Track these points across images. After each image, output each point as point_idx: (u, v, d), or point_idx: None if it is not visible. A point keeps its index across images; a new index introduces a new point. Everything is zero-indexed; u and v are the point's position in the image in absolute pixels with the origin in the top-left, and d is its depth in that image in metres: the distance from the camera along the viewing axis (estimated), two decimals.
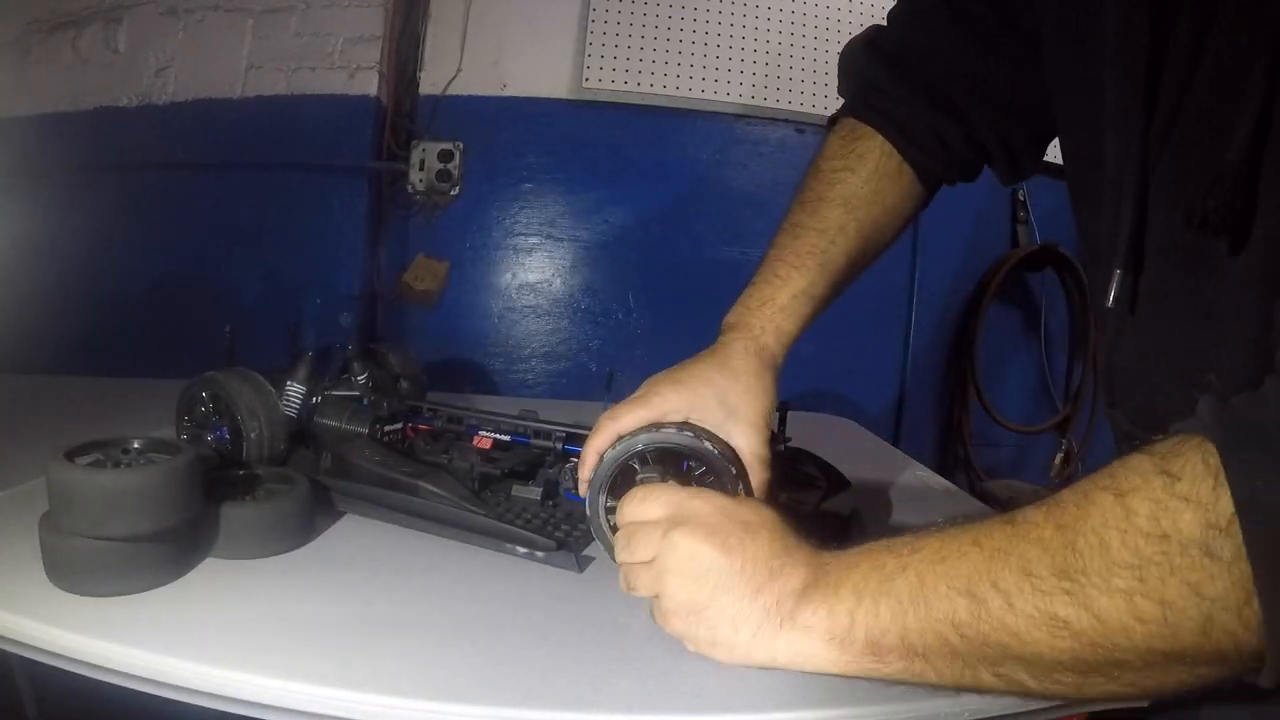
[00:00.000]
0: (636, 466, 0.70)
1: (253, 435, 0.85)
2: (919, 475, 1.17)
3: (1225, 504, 0.38)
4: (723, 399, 0.71)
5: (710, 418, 0.70)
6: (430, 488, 0.82)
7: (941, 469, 1.95)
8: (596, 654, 0.61)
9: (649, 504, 0.62)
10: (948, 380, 2.25)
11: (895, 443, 2.03)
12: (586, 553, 0.79)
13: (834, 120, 0.88)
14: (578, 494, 0.85)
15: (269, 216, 1.88)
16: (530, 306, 2.05)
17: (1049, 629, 0.43)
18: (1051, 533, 0.44)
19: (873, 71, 0.83)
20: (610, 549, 0.70)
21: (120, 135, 1.85)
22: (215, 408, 0.88)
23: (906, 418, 2.21)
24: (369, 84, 1.86)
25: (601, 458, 0.71)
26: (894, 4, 0.86)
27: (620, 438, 0.70)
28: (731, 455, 0.69)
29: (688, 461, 0.70)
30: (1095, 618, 0.41)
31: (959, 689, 0.50)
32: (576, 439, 0.91)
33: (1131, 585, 0.40)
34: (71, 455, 0.66)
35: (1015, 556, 0.44)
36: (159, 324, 1.86)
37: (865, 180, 0.81)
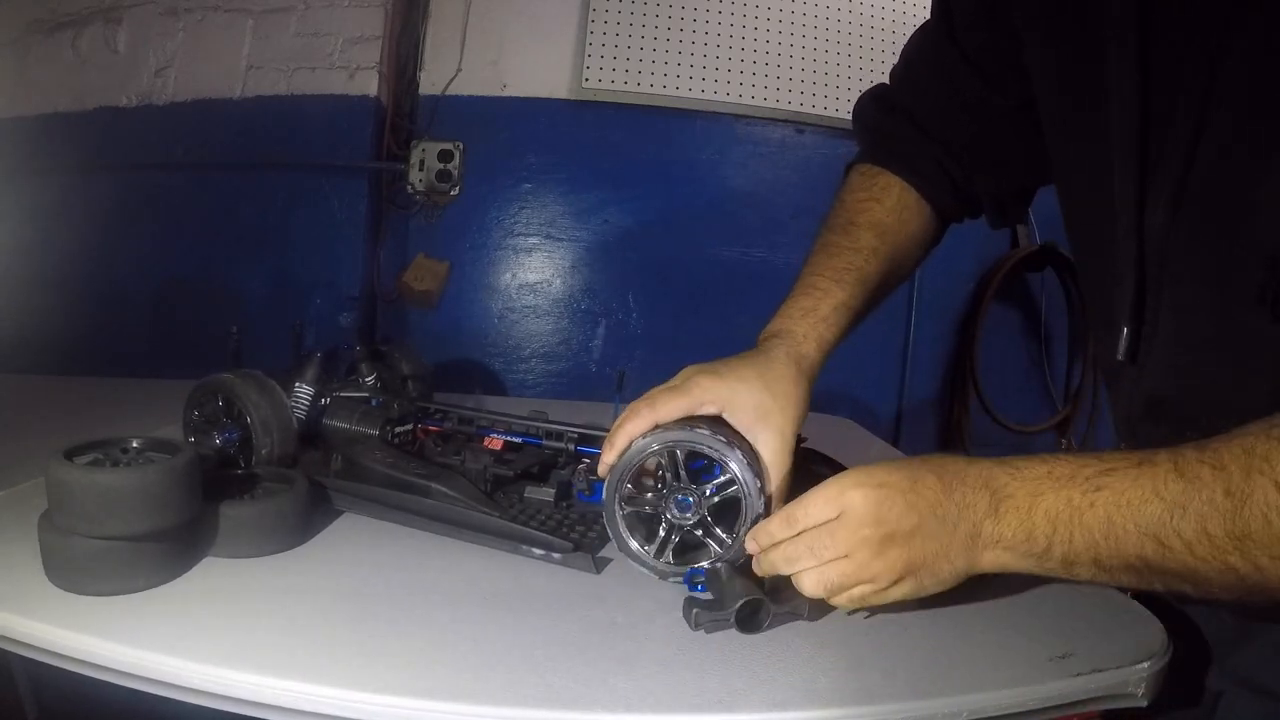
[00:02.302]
0: (662, 461, 0.71)
1: (264, 451, 0.85)
2: None
3: None
4: (758, 401, 0.72)
5: (743, 417, 0.72)
6: (444, 490, 0.82)
7: None
8: (596, 654, 0.61)
9: (810, 509, 0.63)
10: (948, 380, 2.25)
11: (895, 443, 2.04)
12: (603, 554, 0.79)
13: (850, 166, 0.95)
14: (587, 493, 0.86)
15: (269, 217, 1.88)
16: (530, 306, 2.05)
17: (1220, 571, 0.52)
18: (1222, 498, 0.52)
19: (890, 124, 0.91)
20: (620, 537, 0.72)
21: (120, 135, 1.85)
22: (225, 410, 0.88)
23: (906, 418, 2.21)
24: (369, 84, 1.86)
25: (630, 445, 0.71)
26: (895, 64, 0.93)
27: (656, 427, 0.71)
28: (760, 468, 0.70)
29: (707, 461, 0.71)
30: (1258, 570, 0.51)
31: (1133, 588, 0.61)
32: (589, 440, 0.91)
33: None
34: (70, 455, 0.66)
35: (1193, 514, 0.53)
36: (158, 324, 1.86)
37: (890, 210, 0.88)
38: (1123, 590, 0.75)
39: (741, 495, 0.69)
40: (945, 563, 0.61)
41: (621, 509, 0.72)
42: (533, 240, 2.03)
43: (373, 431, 0.91)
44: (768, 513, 0.69)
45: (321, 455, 0.93)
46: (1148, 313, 0.68)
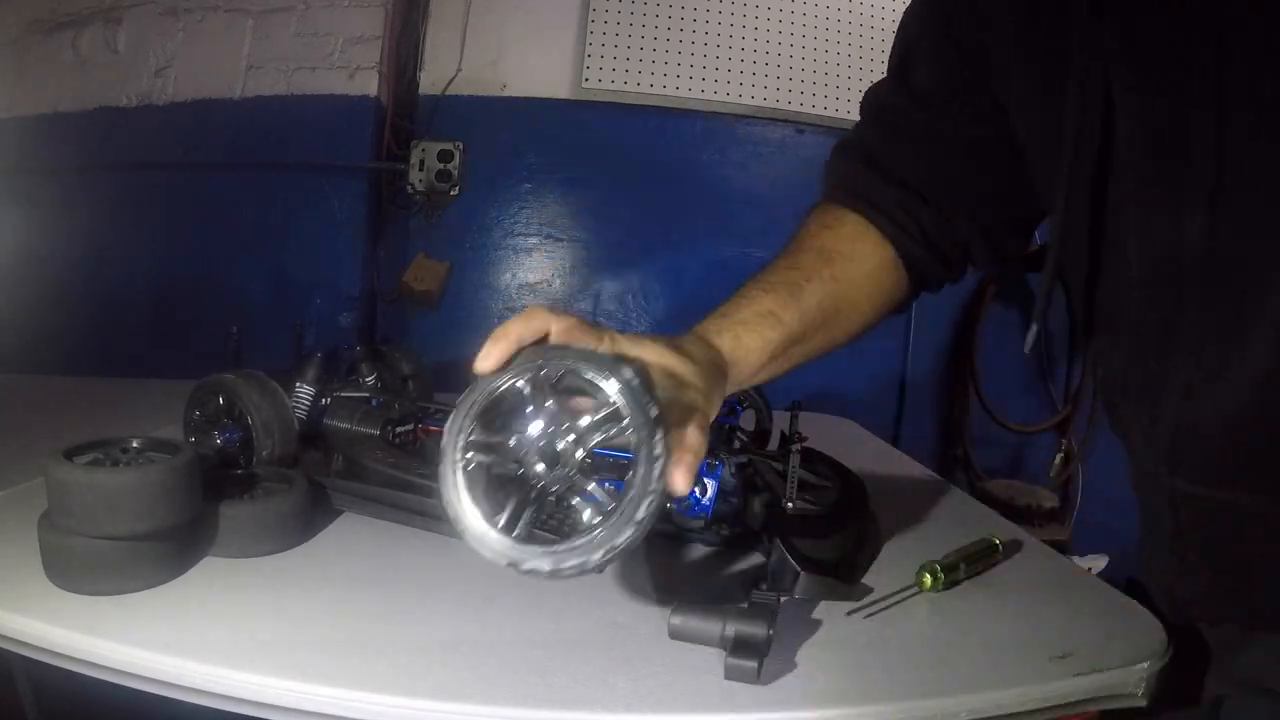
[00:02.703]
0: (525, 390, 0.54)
1: (264, 451, 0.85)
2: (919, 475, 1.17)
3: None
4: (659, 351, 0.62)
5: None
6: None
7: (941, 469, 1.95)
8: (596, 654, 0.61)
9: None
10: (948, 380, 2.25)
11: (895, 443, 2.03)
12: None
13: (811, 209, 0.89)
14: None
15: (269, 217, 1.88)
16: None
17: None
18: None
19: (845, 168, 0.86)
20: (452, 502, 0.52)
21: (120, 135, 1.85)
22: (226, 411, 0.88)
23: (906, 418, 2.21)
24: (369, 84, 1.86)
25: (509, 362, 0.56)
26: (861, 99, 0.89)
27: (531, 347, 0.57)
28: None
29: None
30: None
31: None
32: None
33: None
34: (70, 454, 0.66)
35: None
36: (158, 324, 1.86)
37: (843, 239, 0.81)
38: (1122, 590, 0.75)
39: (636, 426, 0.51)
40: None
41: (460, 460, 0.52)
42: (533, 240, 2.03)
43: (373, 431, 0.91)
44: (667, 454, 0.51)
45: (322, 455, 0.93)
46: (1149, 325, 0.64)
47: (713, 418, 0.62)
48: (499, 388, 0.54)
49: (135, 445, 0.70)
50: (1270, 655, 0.66)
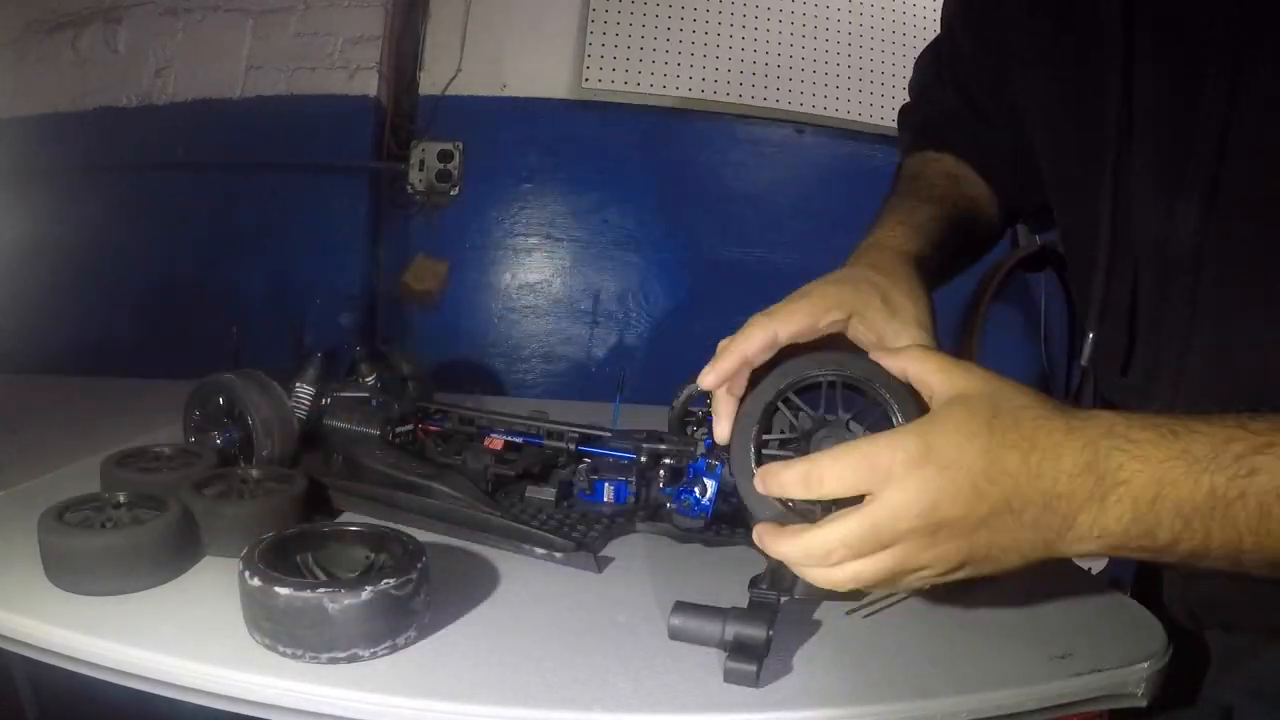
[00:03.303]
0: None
1: (264, 452, 0.85)
2: None
3: None
4: (886, 296, 0.65)
5: (876, 316, 0.63)
6: (445, 489, 0.82)
7: None
8: (596, 654, 0.61)
9: (830, 474, 0.51)
10: None
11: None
12: (604, 553, 0.79)
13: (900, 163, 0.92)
14: (588, 492, 0.85)
15: (269, 217, 1.88)
16: (530, 307, 2.05)
17: None
18: None
19: (926, 121, 0.91)
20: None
21: (120, 135, 1.85)
22: (226, 411, 0.89)
23: None
24: (369, 84, 1.86)
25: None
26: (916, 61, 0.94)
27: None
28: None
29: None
30: None
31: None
32: (590, 440, 0.91)
33: None
34: (62, 513, 0.66)
35: None
36: (158, 324, 1.86)
37: (952, 164, 0.86)
38: (1123, 590, 0.75)
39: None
40: (1014, 556, 0.50)
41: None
42: (533, 240, 2.03)
43: (374, 431, 0.91)
44: None
45: (322, 455, 0.93)
46: (1151, 320, 0.65)
47: (933, 311, 0.69)
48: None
49: (124, 501, 0.70)
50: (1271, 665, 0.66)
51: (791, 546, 0.53)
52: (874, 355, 0.58)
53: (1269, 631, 0.66)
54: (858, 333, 0.63)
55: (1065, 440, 0.48)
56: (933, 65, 0.90)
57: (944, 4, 0.87)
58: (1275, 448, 0.45)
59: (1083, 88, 0.66)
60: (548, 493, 0.87)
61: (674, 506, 0.80)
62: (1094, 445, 0.47)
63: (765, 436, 0.59)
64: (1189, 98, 0.59)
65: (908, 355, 0.56)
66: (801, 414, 0.59)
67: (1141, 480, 0.46)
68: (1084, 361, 0.64)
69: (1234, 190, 0.58)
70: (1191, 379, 0.63)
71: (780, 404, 0.59)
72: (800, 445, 0.59)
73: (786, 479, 0.53)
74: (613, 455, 0.89)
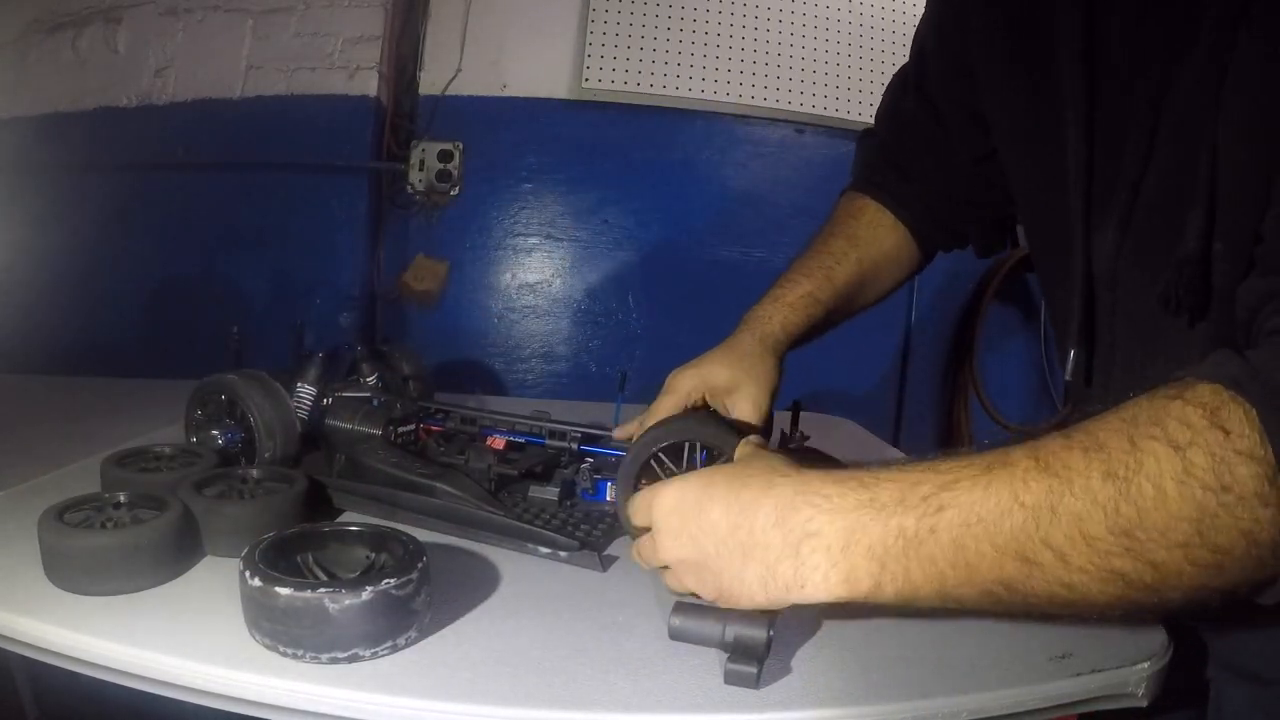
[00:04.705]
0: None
1: (267, 453, 0.85)
2: None
3: (1270, 457, 0.40)
4: (730, 376, 0.84)
5: (720, 394, 0.83)
6: (448, 489, 0.82)
7: None
8: (597, 654, 0.61)
9: (634, 508, 0.65)
10: (948, 380, 2.25)
11: (895, 443, 2.03)
12: (609, 552, 0.79)
13: (841, 193, 1.03)
14: (591, 491, 0.89)
15: (269, 217, 1.88)
16: (530, 306, 2.05)
17: (1102, 580, 0.44)
18: (1100, 484, 0.43)
19: (873, 159, 1.00)
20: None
21: (120, 135, 1.85)
22: (228, 411, 0.88)
23: (906, 418, 2.21)
24: (369, 84, 1.86)
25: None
26: (879, 104, 1.01)
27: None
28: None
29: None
30: (1152, 568, 0.42)
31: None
32: (592, 439, 0.91)
33: (1190, 538, 0.41)
34: (62, 513, 0.66)
35: (1064, 515, 0.44)
36: (158, 324, 1.86)
37: (865, 226, 0.97)
38: None
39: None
40: (747, 599, 0.55)
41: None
42: (533, 240, 2.03)
43: (375, 431, 0.91)
44: None
45: (324, 455, 0.93)
46: (1102, 335, 0.71)
47: (775, 385, 0.86)
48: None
49: (124, 501, 0.70)
50: (1248, 636, 0.67)
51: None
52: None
53: (1233, 618, 0.67)
54: (715, 403, 0.84)
55: (761, 498, 0.53)
56: (899, 84, 0.98)
57: (916, 29, 0.95)
58: (961, 484, 0.47)
59: (1042, 125, 0.73)
60: (550, 492, 0.87)
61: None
62: (785, 502, 0.52)
63: (641, 482, 0.77)
64: (1119, 143, 0.65)
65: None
66: (665, 467, 0.77)
67: (831, 530, 0.50)
68: (1067, 376, 0.73)
69: (1144, 216, 0.64)
70: (1120, 391, 0.66)
71: (652, 460, 0.77)
72: None
73: (635, 503, 0.65)
74: (615, 455, 0.89)
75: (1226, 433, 0.41)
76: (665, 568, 0.62)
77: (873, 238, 0.96)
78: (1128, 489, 0.42)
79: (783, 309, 0.89)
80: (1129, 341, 0.69)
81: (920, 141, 0.94)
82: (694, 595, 0.61)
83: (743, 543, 0.54)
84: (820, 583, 0.51)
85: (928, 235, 0.98)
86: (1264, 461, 0.40)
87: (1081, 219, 0.69)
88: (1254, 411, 0.41)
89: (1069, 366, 0.71)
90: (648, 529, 0.62)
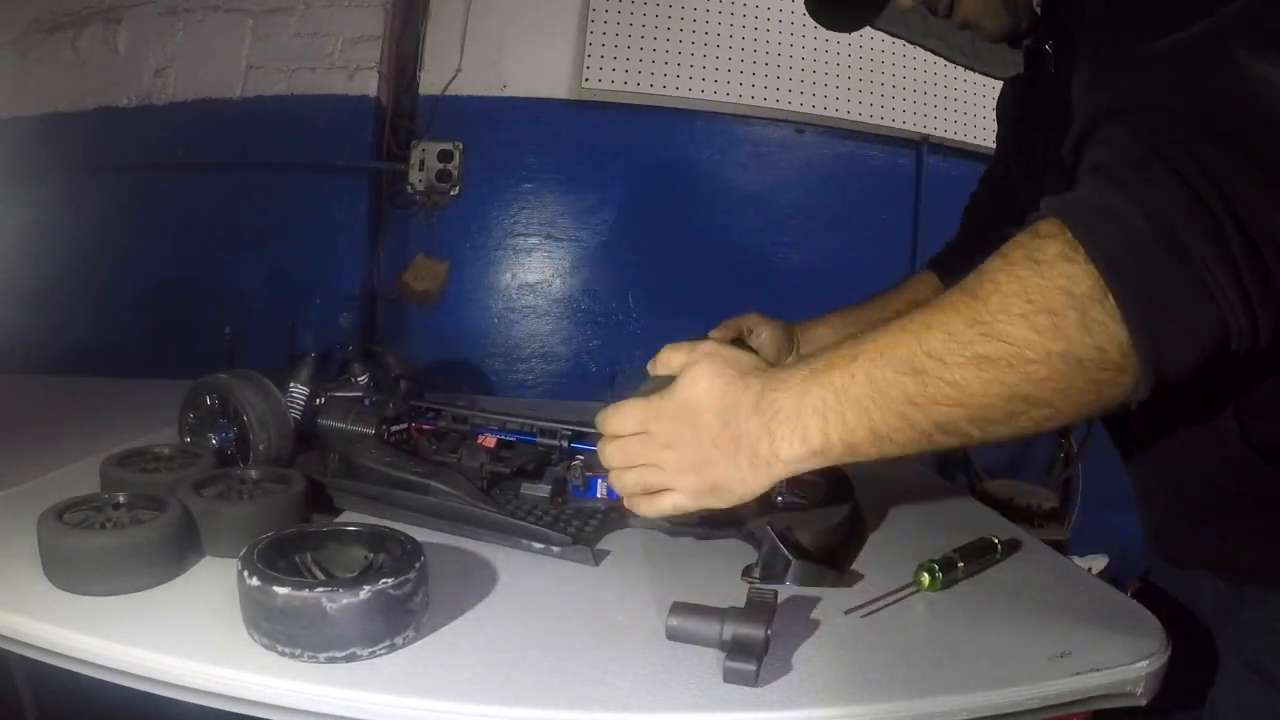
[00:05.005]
0: None
1: (261, 446, 0.86)
2: (918, 475, 1.17)
3: (1069, 235, 0.51)
4: (760, 320, 1.04)
5: (748, 329, 1.03)
6: (442, 487, 0.82)
7: (941, 469, 1.95)
8: (597, 654, 0.61)
9: (614, 420, 0.69)
10: None
11: None
12: (601, 546, 0.79)
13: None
14: (582, 488, 0.89)
15: (269, 217, 1.88)
16: (530, 307, 2.05)
17: (976, 368, 0.53)
18: (958, 296, 0.55)
19: (946, 248, 1.15)
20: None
21: (120, 135, 1.85)
22: (221, 410, 0.89)
23: None
24: (369, 84, 1.86)
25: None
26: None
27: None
28: None
29: None
30: (1006, 343, 0.52)
31: (920, 452, 0.59)
32: (583, 437, 0.92)
33: (1024, 307, 0.51)
34: (62, 513, 0.66)
35: (937, 326, 0.54)
36: (158, 324, 1.86)
37: (929, 290, 1.08)
38: (1122, 590, 0.76)
39: None
40: (739, 484, 0.64)
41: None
42: (533, 240, 2.03)
43: (369, 430, 0.91)
44: None
45: (318, 455, 0.93)
46: None
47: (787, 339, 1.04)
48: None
49: (123, 501, 0.70)
50: (1262, 626, 0.67)
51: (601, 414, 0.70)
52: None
53: (1239, 579, 0.71)
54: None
55: (742, 395, 0.63)
56: (982, 183, 1.13)
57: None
58: (869, 335, 0.58)
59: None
60: (542, 489, 0.88)
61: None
62: (757, 393, 0.62)
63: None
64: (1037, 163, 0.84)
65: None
66: None
67: (788, 402, 0.60)
68: None
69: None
70: None
71: None
72: None
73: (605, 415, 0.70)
74: None
75: (1037, 234, 0.52)
76: (638, 473, 0.67)
77: (932, 285, 1.09)
78: (975, 291, 0.53)
79: (823, 328, 1.07)
80: None
81: (990, 215, 1.07)
82: (672, 505, 0.67)
83: (733, 435, 0.63)
84: (788, 449, 0.60)
85: None
86: (1062, 239, 0.51)
87: None
88: (1055, 217, 0.52)
89: None
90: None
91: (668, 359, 0.69)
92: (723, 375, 0.64)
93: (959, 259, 1.10)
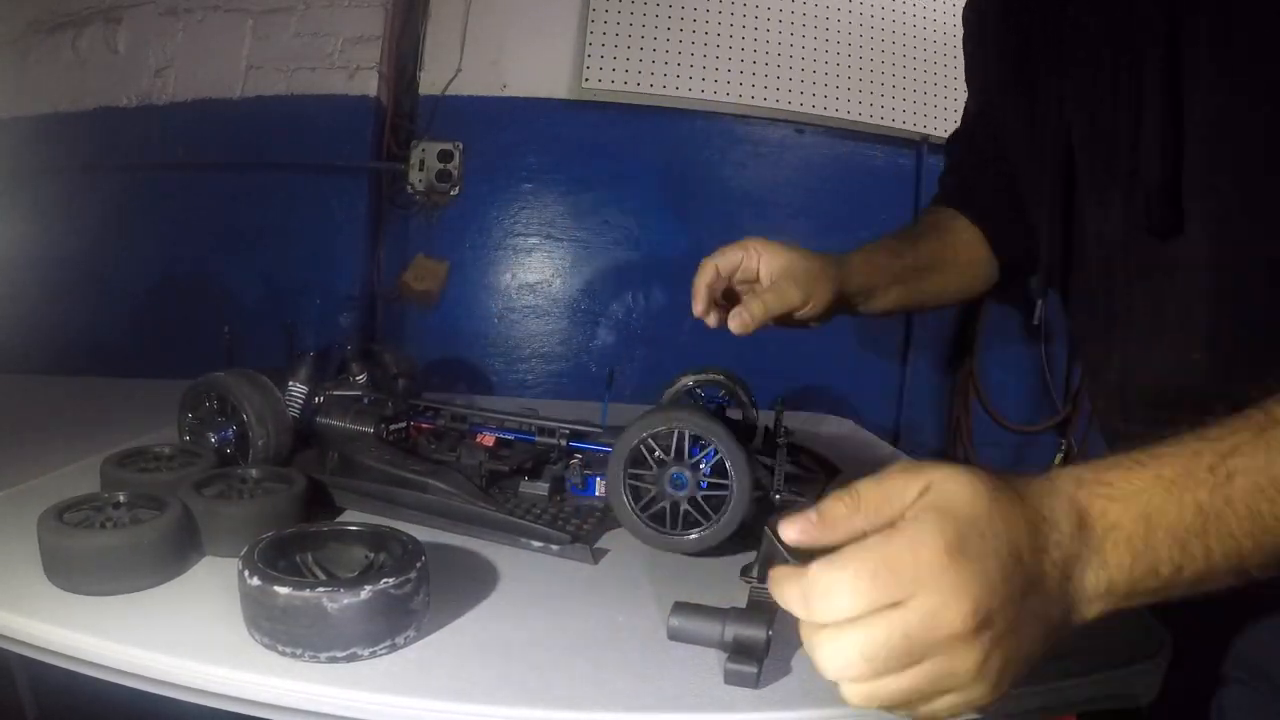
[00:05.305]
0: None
1: (260, 443, 0.86)
2: None
3: None
4: (778, 247, 0.84)
5: (766, 252, 0.84)
6: (441, 485, 0.83)
7: None
8: (596, 654, 0.61)
9: (841, 599, 0.42)
10: (948, 380, 2.25)
11: (895, 443, 2.03)
12: (599, 545, 0.79)
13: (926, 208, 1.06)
14: (580, 487, 0.90)
15: (269, 217, 1.88)
16: (530, 306, 2.05)
17: None
18: None
19: (949, 184, 1.04)
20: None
21: (120, 135, 1.85)
22: (220, 409, 0.89)
23: (906, 418, 2.21)
24: (369, 84, 1.86)
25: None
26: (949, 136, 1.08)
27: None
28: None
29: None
30: None
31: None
32: (581, 435, 0.93)
33: None
34: (62, 513, 0.66)
35: None
36: (159, 324, 1.86)
37: (950, 217, 0.98)
38: None
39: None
40: (1041, 640, 0.43)
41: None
42: (533, 240, 2.03)
43: (367, 429, 0.91)
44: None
45: (317, 454, 0.94)
46: (1119, 309, 0.73)
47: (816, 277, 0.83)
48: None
49: (123, 501, 0.70)
50: (1260, 632, 0.67)
51: (809, 638, 0.44)
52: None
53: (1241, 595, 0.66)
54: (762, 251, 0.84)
55: (1052, 502, 0.44)
56: (961, 127, 1.05)
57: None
58: (1242, 449, 0.44)
59: (1035, 117, 0.78)
60: (541, 488, 0.88)
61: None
62: (1074, 500, 0.45)
63: (631, 470, 0.79)
64: (1106, 104, 0.70)
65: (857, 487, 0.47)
66: (656, 453, 0.79)
67: (1128, 518, 0.44)
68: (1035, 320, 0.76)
69: (1146, 184, 0.66)
70: (1138, 362, 0.73)
71: (641, 446, 0.79)
72: (658, 474, 0.78)
73: (788, 596, 0.44)
74: (604, 451, 0.90)
75: None
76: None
77: (959, 230, 0.98)
78: None
79: (851, 255, 0.90)
80: (1141, 308, 0.71)
81: (984, 179, 0.97)
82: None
83: (1055, 561, 0.43)
84: (1123, 582, 0.44)
85: (1006, 249, 0.97)
86: None
87: (1089, 192, 0.73)
88: None
89: (1038, 312, 0.76)
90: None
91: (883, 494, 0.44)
92: (982, 491, 0.43)
93: (971, 192, 0.99)
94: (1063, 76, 0.74)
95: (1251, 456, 0.44)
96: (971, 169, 1.00)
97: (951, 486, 0.43)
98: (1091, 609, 0.45)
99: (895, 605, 0.40)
